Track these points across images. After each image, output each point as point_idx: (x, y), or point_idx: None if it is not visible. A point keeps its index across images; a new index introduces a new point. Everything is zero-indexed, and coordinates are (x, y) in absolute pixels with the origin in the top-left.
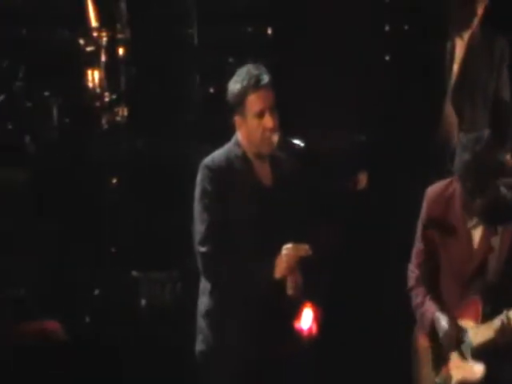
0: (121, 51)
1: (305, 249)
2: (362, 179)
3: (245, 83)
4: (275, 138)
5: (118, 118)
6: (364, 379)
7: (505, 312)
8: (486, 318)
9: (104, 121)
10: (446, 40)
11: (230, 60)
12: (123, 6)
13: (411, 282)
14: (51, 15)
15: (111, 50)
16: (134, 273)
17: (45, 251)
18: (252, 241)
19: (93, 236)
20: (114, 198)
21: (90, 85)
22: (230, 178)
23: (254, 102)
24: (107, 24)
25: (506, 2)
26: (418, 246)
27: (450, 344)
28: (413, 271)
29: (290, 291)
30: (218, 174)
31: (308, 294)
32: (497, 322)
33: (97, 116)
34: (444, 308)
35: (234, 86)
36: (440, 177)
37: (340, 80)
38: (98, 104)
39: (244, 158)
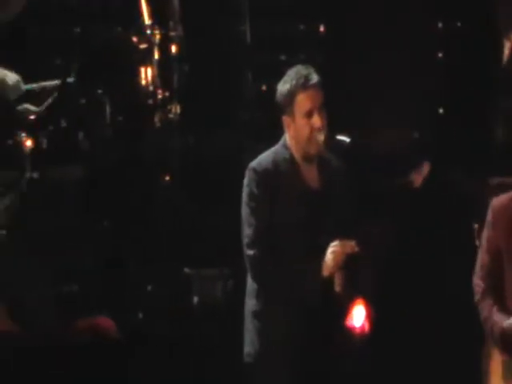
0: (174, 49)
1: (351, 245)
2: (417, 178)
3: (294, 83)
4: (321, 137)
5: (171, 116)
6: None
7: None
8: None
9: (157, 119)
10: (498, 38)
11: (283, 57)
12: (176, 3)
13: (478, 295)
14: (105, 13)
15: (164, 47)
16: (186, 270)
17: (98, 248)
18: (300, 244)
19: (146, 233)
20: (167, 196)
21: (143, 82)
22: (277, 182)
23: (302, 102)
24: (160, 22)
25: None
26: (482, 257)
27: None
28: (478, 285)
29: (337, 288)
30: (264, 177)
31: (359, 291)
32: None
33: (150, 114)
34: None
35: (283, 86)
36: (502, 175)
37: (393, 78)
38: (151, 102)
39: (291, 160)
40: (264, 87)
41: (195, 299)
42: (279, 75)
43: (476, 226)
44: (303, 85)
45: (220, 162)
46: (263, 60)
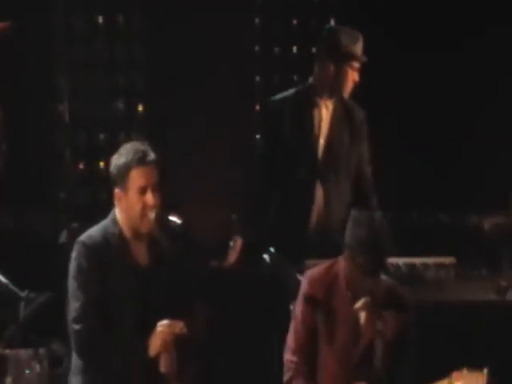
0: None
1: (179, 326)
2: (232, 255)
3: (130, 157)
4: (153, 215)
5: None
6: None
7: None
8: None
9: None
10: None
11: (101, 136)
12: None
13: (290, 372)
14: None
15: None
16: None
17: None
18: (129, 319)
19: None
20: None
21: None
22: (107, 256)
23: (137, 177)
24: None
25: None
26: (298, 328)
27: None
28: (291, 361)
29: (162, 368)
30: (94, 250)
31: (182, 373)
32: None
33: None
34: None
35: (119, 159)
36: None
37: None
38: None
39: (120, 236)
40: (81, 165)
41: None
42: (98, 154)
43: (292, 306)
44: (140, 160)
45: (37, 240)
46: (81, 139)
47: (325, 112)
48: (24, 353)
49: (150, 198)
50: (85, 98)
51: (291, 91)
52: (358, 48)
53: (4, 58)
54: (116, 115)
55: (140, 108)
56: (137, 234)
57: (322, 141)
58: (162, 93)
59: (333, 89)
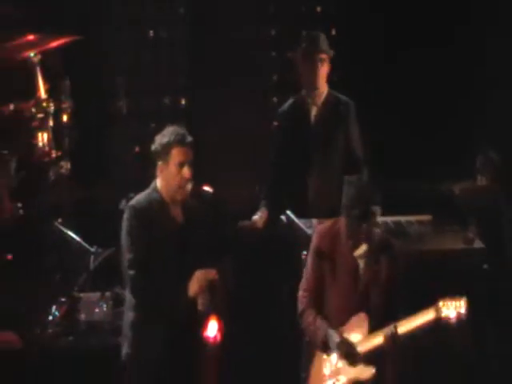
0: (65, 118)
1: (212, 273)
2: (259, 221)
3: (172, 138)
4: (189, 187)
5: (63, 171)
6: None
7: (392, 324)
8: (372, 330)
9: (51, 173)
10: None
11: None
12: (67, 82)
13: (302, 305)
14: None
15: (57, 116)
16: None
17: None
18: (171, 266)
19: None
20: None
21: (40, 144)
22: (151, 216)
23: (177, 154)
24: (54, 96)
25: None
26: (308, 273)
27: (341, 354)
28: (303, 295)
29: (200, 307)
30: (141, 212)
31: (215, 309)
32: (387, 331)
33: (46, 169)
34: (332, 325)
35: (162, 138)
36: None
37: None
38: (46, 159)
39: (161, 201)
40: (136, 149)
41: (82, 317)
42: (149, 140)
43: (304, 253)
44: (180, 141)
45: (103, 206)
46: (136, 128)
47: (314, 108)
48: (93, 295)
49: (186, 171)
50: (138, 95)
51: (291, 100)
52: (315, 45)
53: (75, 63)
54: (163, 108)
55: (182, 102)
56: (174, 200)
57: (313, 129)
58: (199, 90)
59: (308, 84)
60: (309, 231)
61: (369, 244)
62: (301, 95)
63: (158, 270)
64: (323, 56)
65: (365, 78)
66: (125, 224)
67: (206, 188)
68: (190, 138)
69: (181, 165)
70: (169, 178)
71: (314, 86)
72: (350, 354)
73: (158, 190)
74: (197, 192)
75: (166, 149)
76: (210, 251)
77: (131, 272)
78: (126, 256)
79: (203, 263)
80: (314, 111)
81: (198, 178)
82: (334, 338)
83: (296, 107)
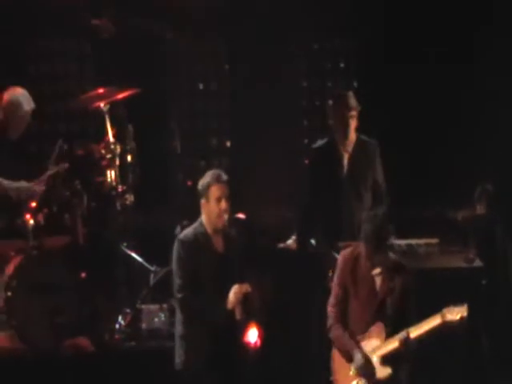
0: (129, 158)
1: (246, 287)
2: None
3: (210, 178)
4: (226, 216)
5: (127, 202)
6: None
7: (405, 330)
8: (388, 336)
9: (118, 203)
10: None
11: (202, 163)
12: (130, 127)
13: (331, 320)
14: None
15: (122, 156)
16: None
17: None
18: (214, 287)
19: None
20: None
21: (108, 180)
22: (196, 247)
23: (215, 191)
24: (120, 139)
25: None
26: (335, 290)
27: (362, 370)
28: (332, 311)
29: (238, 316)
30: (188, 244)
31: (253, 317)
32: (400, 337)
33: (113, 200)
34: (354, 332)
35: (204, 180)
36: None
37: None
38: (113, 192)
39: (206, 233)
40: (189, 183)
41: (143, 325)
42: (199, 175)
43: (330, 272)
44: (216, 179)
45: (161, 232)
46: (188, 165)
47: (346, 156)
48: (153, 307)
49: (223, 204)
50: (190, 138)
51: (325, 140)
52: (345, 103)
53: (137, 111)
54: (211, 148)
55: (227, 143)
56: (215, 231)
57: (345, 171)
58: (241, 133)
59: (340, 135)
60: (335, 254)
61: (384, 265)
62: (334, 139)
63: (202, 289)
64: (353, 113)
65: (378, 116)
66: (174, 254)
67: (240, 215)
68: (225, 177)
69: (218, 199)
70: (210, 211)
71: (345, 138)
72: (368, 374)
73: (203, 224)
74: (233, 221)
75: (206, 188)
76: (247, 268)
77: (179, 295)
78: (175, 280)
79: (241, 280)
80: (346, 158)
81: (238, 208)
82: (358, 358)
83: (329, 151)
